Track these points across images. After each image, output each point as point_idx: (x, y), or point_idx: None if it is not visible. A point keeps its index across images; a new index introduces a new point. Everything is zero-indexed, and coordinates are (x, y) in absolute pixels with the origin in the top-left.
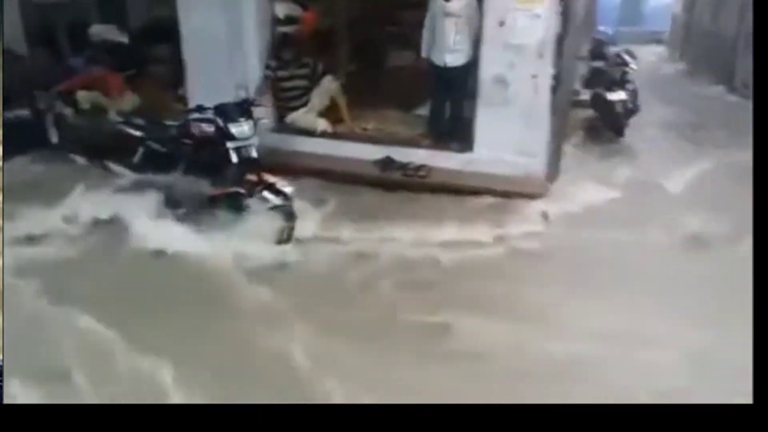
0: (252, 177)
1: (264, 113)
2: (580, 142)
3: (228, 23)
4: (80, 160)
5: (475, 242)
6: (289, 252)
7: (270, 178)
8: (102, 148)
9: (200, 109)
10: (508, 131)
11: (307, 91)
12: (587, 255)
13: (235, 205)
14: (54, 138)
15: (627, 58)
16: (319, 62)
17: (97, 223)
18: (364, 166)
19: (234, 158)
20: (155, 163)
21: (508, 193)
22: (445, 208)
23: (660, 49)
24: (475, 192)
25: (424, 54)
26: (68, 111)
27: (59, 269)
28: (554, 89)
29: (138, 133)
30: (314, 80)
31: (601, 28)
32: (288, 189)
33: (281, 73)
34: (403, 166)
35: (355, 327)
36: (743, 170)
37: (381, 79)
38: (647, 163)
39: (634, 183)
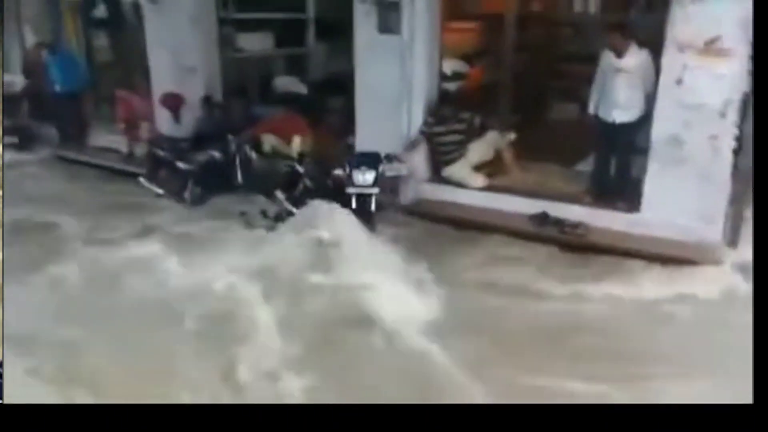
0: None
1: (405, 168)
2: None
3: (399, 79)
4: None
5: None
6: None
7: None
8: (273, 185)
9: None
10: (682, 193)
11: (462, 145)
12: None
13: None
14: (239, 179)
15: None
16: (476, 116)
17: None
18: (518, 220)
19: (353, 203)
20: (307, 196)
21: (677, 258)
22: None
23: None
24: (639, 255)
25: (591, 110)
26: (253, 155)
27: None
28: (736, 152)
29: (301, 172)
30: (470, 134)
31: None
32: None
33: (438, 129)
34: (560, 223)
35: None
36: None
37: (543, 133)
38: None
39: None
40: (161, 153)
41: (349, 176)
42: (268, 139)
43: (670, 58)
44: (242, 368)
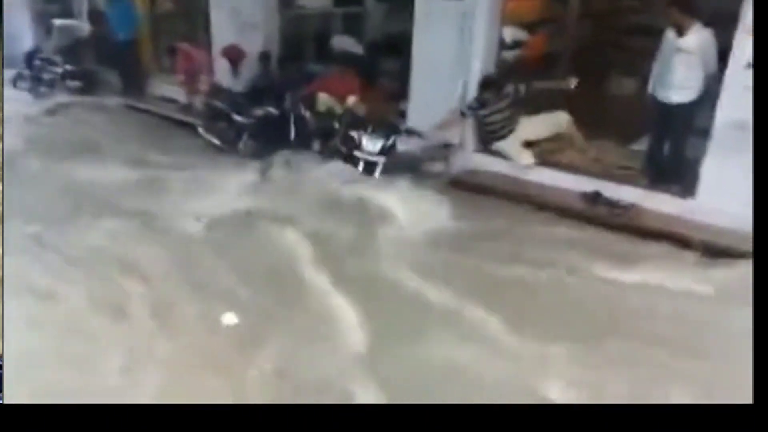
0: None
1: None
2: None
3: (457, 45)
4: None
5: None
6: None
7: None
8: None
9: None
10: (743, 181)
11: (510, 120)
12: None
13: None
14: (292, 135)
15: None
16: (521, 85)
17: None
18: (568, 197)
19: (360, 166)
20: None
21: (730, 250)
22: None
23: None
24: (690, 242)
25: (650, 90)
26: (306, 113)
27: None
28: None
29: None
30: (517, 106)
31: None
32: None
33: (482, 112)
34: (611, 203)
35: None
36: None
37: (600, 107)
38: None
39: None
40: (219, 105)
41: (360, 142)
42: (323, 99)
43: (740, 40)
44: None
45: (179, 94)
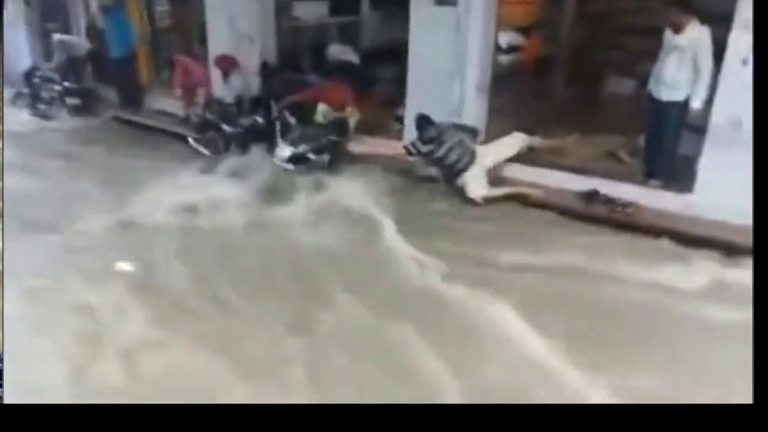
0: None
1: None
2: None
3: (453, 50)
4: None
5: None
6: None
7: None
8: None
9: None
10: (738, 176)
11: (465, 152)
12: None
13: None
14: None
15: None
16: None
17: None
18: (566, 197)
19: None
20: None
21: (731, 244)
22: None
23: None
24: (688, 238)
25: (649, 88)
26: (292, 120)
27: None
28: None
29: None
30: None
31: None
32: None
33: (426, 149)
34: (610, 201)
35: None
36: None
37: (597, 106)
38: None
39: None
40: (210, 116)
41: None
42: (322, 109)
43: (736, 36)
44: None
45: (177, 108)
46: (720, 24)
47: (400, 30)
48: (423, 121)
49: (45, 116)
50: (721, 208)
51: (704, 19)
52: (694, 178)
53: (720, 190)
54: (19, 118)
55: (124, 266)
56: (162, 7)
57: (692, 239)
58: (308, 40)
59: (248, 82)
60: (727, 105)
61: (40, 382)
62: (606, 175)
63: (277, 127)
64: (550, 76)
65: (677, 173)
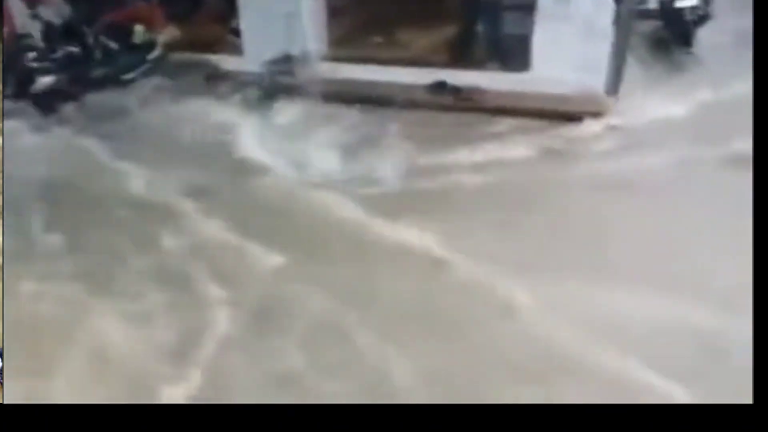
0: None
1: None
2: (645, 55)
3: None
4: None
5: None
6: None
7: None
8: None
9: None
10: (568, 47)
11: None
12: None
13: None
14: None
15: None
16: None
17: None
18: (415, 91)
19: None
20: None
21: (569, 113)
22: None
23: None
24: (530, 113)
25: None
26: (114, 45)
27: None
28: (618, 0)
29: None
30: None
31: None
32: None
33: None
34: (457, 90)
35: None
36: None
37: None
38: (716, 75)
39: (702, 98)
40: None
41: None
42: (138, 30)
43: None
44: None
45: None
46: None
47: None
48: None
49: None
50: (554, 81)
51: None
52: (529, 56)
53: (554, 64)
54: None
55: None
56: None
57: (533, 113)
58: None
59: (61, 11)
60: None
61: None
62: (445, 65)
63: (97, 55)
64: None
65: (515, 53)
